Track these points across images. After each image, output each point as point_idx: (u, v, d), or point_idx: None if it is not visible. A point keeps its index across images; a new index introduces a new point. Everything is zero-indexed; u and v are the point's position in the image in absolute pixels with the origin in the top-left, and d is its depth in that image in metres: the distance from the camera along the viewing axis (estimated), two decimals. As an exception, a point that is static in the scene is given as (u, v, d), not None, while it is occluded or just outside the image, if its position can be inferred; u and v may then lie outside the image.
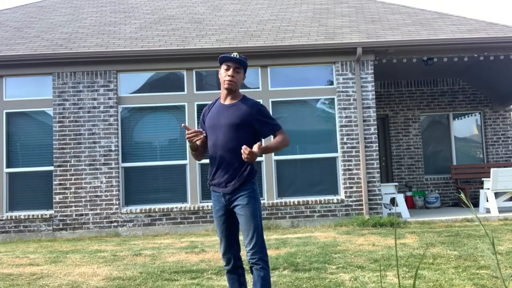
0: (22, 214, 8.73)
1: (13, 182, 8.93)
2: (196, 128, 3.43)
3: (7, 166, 8.92)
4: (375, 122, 9.03)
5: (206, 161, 6.53)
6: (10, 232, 8.67)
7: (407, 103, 11.94)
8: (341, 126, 8.99)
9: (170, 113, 9.16)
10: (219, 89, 9.68)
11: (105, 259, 5.99)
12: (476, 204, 10.87)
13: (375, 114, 9.04)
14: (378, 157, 8.94)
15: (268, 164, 8.93)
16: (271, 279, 4.58)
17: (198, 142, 3.28)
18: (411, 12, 10.65)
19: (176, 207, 8.77)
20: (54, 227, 8.69)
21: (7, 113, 9.04)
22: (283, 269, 5.01)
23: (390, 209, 9.20)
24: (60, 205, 8.73)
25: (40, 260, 6.06)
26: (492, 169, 8.94)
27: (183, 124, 3.26)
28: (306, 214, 8.80)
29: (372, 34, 9.27)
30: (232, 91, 3.27)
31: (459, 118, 12.09)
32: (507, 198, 9.31)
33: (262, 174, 8.92)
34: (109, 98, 8.97)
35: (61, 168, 8.80)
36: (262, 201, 8.76)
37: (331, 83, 9.21)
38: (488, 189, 9.21)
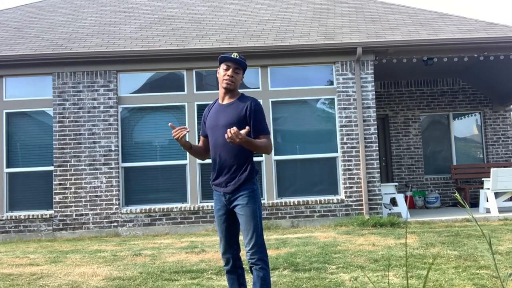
0: (22, 214, 8.73)
1: (13, 182, 8.93)
2: (188, 127, 3.41)
3: (7, 166, 8.92)
4: (375, 122, 9.04)
5: (207, 161, 6.51)
6: (10, 232, 8.67)
7: (407, 103, 11.94)
8: (341, 126, 8.99)
9: (170, 113, 9.16)
10: (218, 89, 9.66)
11: (105, 259, 5.99)
12: (476, 204, 10.87)
13: (375, 114, 9.04)
14: (378, 157, 8.94)
15: (268, 164, 8.93)
16: (271, 279, 4.58)
17: (185, 140, 3.26)
18: (411, 12, 10.65)
19: (176, 207, 8.77)
20: (54, 227, 8.69)
21: (7, 113, 9.04)
22: (283, 269, 5.01)
23: (390, 209, 9.20)
24: (60, 205, 8.73)
25: (40, 260, 6.06)
26: (492, 169, 8.94)
27: (169, 124, 3.26)
28: (306, 214, 8.80)
29: (372, 34, 9.27)
30: (230, 90, 3.29)
31: (459, 118, 12.09)
32: (507, 198, 9.31)
33: (262, 174, 8.92)
34: (109, 98, 8.97)
35: (61, 168, 8.80)
36: (262, 201, 8.76)
37: (331, 83, 9.21)
38: (488, 189, 9.21)
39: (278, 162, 9.01)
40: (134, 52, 8.82)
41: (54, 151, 8.84)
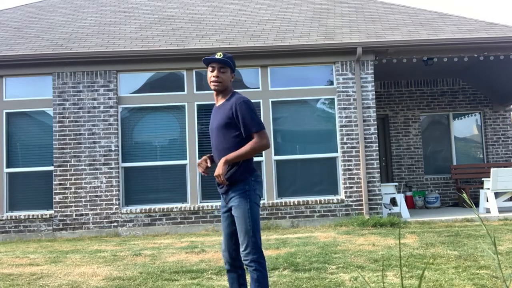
0: (22, 214, 8.73)
1: (13, 182, 8.93)
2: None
3: (7, 166, 8.92)
4: (375, 122, 9.04)
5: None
6: (10, 232, 8.67)
7: (407, 103, 11.94)
8: (341, 126, 8.99)
9: (170, 113, 9.16)
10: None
11: (105, 259, 5.99)
12: (476, 204, 10.88)
13: (375, 114, 9.04)
14: (378, 157, 8.94)
15: (268, 164, 8.93)
16: (271, 279, 4.58)
17: (206, 166, 3.29)
18: (411, 12, 10.65)
19: (176, 207, 8.77)
20: (54, 227, 8.69)
21: (7, 113, 9.04)
22: (283, 269, 5.01)
23: (390, 209, 9.20)
24: (60, 205, 8.73)
25: (40, 260, 6.06)
26: (492, 169, 8.94)
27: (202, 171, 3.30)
28: (306, 214, 8.80)
29: (372, 34, 9.27)
30: (220, 91, 3.28)
31: (459, 118, 12.09)
32: (507, 198, 9.31)
33: (262, 174, 8.92)
34: (109, 98, 8.97)
35: (61, 168, 8.80)
36: (262, 201, 8.76)
37: (331, 83, 9.21)
38: (488, 189, 9.21)
39: (278, 162, 9.01)
40: (134, 52, 8.82)
41: (54, 151, 8.84)
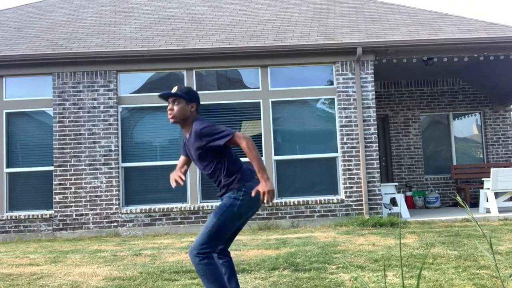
0: (22, 214, 8.73)
1: (13, 182, 8.93)
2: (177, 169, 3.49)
3: (7, 166, 8.92)
4: (375, 122, 9.04)
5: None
6: (10, 232, 8.67)
7: (407, 103, 11.95)
8: (341, 126, 8.99)
9: (170, 113, 9.14)
10: (219, 89, 9.69)
11: (105, 259, 5.99)
12: (476, 204, 10.88)
13: (375, 114, 9.04)
14: (378, 157, 8.94)
15: (268, 164, 8.93)
16: (271, 279, 4.58)
17: (181, 179, 3.40)
18: (411, 12, 10.65)
19: (176, 207, 8.77)
20: (54, 227, 8.70)
21: (7, 113, 9.05)
22: (283, 269, 5.01)
23: (390, 209, 9.20)
24: (60, 205, 8.73)
25: (40, 260, 6.06)
26: (492, 169, 8.94)
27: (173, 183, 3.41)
28: (306, 214, 8.80)
29: (372, 34, 9.27)
30: (179, 123, 3.35)
31: (459, 118, 12.10)
32: (507, 198, 9.31)
33: (262, 174, 8.91)
34: (109, 98, 8.97)
35: (61, 168, 8.80)
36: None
37: (331, 83, 9.21)
38: (488, 189, 9.22)
39: (278, 162, 9.01)
40: (134, 52, 8.82)
41: (54, 151, 8.84)
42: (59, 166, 8.81)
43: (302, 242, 6.68)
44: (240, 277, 4.73)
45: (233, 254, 5.95)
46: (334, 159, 9.05)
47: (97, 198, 8.76)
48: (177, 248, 6.72)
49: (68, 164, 8.82)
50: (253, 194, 3.15)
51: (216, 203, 8.75)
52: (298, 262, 5.29)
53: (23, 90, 9.14)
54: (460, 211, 9.72)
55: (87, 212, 8.74)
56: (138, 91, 9.17)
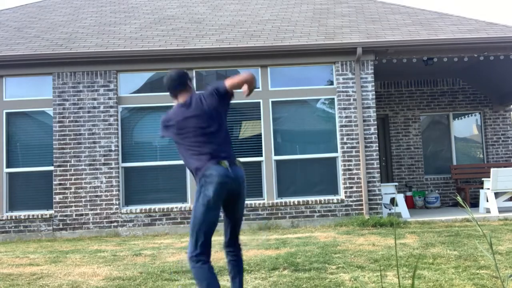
0: (22, 214, 8.72)
1: (13, 182, 8.93)
2: None
3: (7, 166, 8.92)
4: (375, 122, 9.04)
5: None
6: (10, 232, 8.67)
7: (407, 103, 11.94)
8: (341, 126, 8.99)
9: (170, 113, 9.14)
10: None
11: (105, 259, 5.99)
12: (476, 204, 10.87)
13: (375, 114, 9.04)
14: (378, 157, 8.94)
15: (268, 164, 8.93)
16: (271, 279, 4.59)
17: None
18: (411, 12, 10.65)
19: (176, 207, 8.77)
20: (54, 227, 8.69)
21: (7, 113, 9.04)
22: (283, 269, 5.01)
23: (390, 209, 9.20)
24: (60, 205, 8.73)
25: (40, 260, 6.06)
26: (492, 169, 8.94)
27: None
28: (306, 214, 8.80)
29: (372, 34, 9.27)
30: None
31: (459, 118, 12.09)
32: (507, 198, 9.31)
33: (262, 174, 8.92)
34: (109, 98, 8.97)
35: (61, 168, 8.80)
36: (262, 201, 8.78)
37: (331, 83, 9.21)
38: (488, 189, 9.21)
39: (278, 162, 9.01)
40: (134, 52, 8.82)
41: (54, 151, 8.84)
42: (59, 166, 8.81)
43: (302, 242, 6.68)
44: (240, 277, 4.72)
45: (233, 254, 5.94)
46: (334, 159, 9.04)
47: (97, 198, 8.76)
48: (177, 248, 6.72)
49: (68, 164, 8.82)
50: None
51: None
52: (298, 262, 5.29)
53: (23, 90, 9.14)
54: (460, 211, 9.72)
55: (87, 212, 8.74)
56: (138, 91, 9.17)
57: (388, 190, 9.37)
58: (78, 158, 8.84)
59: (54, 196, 8.75)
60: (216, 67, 9.10)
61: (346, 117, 9.01)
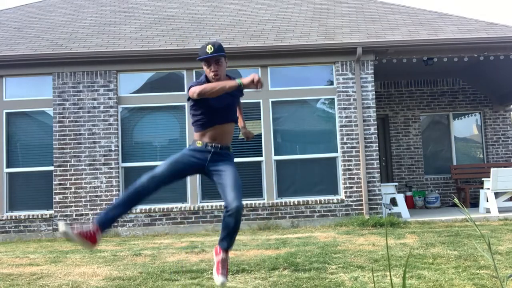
0: (22, 214, 8.73)
1: (13, 182, 8.93)
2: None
3: (7, 166, 8.92)
4: (375, 122, 9.04)
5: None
6: (10, 232, 8.68)
7: (407, 103, 11.94)
8: (341, 126, 8.99)
9: (170, 113, 9.16)
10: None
11: (105, 259, 5.99)
12: (476, 204, 10.87)
13: (375, 114, 9.04)
14: (378, 157, 8.94)
15: (268, 164, 8.93)
16: (271, 279, 4.59)
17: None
18: (411, 12, 10.65)
19: (176, 207, 8.77)
20: (54, 227, 8.69)
21: (7, 113, 9.05)
22: (283, 269, 5.01)
23: (390, 209, 9.20)
24: (60, 205, 8.73)
25: (40, 260, 6.06)
26: (492, 169, 8.94)
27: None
28: (306, 214, 8.80)
29: (372, 34, 9.27)
30: (218, 80, 3.58)
31: (459, 118, 12.10)
32: (507, 198, 9.31)
33: (262, 174, 8.92)
34: (109, 98, 8.97)
35: (61, 168, 8.80)
36: (262, 201, 8.81)
37: (331, 83, 9.21)
38: (488, 189, 9.21)
39: (278, 162, 9.01)
40: (134, 52, 8.83)
41: (54, 151, 8.84)
42: (59, 166, 8.81)
43: (302, 242, 6.68)
44: (240, 277, 4.73)
45: (233, 254, 5.95)
46: (334, 159, 9.04)
47: (97, 198, 8.76)
48: (177, 248, 6.72)
49: (68, 164, 8.82)
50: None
51: (217, 203, 8.75)
52: (298, 262, 5.29)
53: (23, 90, 9.14)
54: (460, 211, 9.72)
55: (87, 212, 8.74)
56: (138, 91, 9.17)
57: (388, 190, 9.37)
58: (78, 158, 8.84)
59: (54, 196, 8.75)
60: (216, 67, 9.08)
61: (346, 117, 9.01)
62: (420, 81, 12.01)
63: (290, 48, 8.88)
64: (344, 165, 8.90)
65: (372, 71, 9.08)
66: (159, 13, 11.00)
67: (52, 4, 12.05)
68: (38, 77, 9.13)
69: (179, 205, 8.84)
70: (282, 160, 9.03)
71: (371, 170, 8.88)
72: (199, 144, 3.74)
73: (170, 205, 8.80)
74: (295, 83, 9.19)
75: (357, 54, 8.83)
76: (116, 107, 8.99)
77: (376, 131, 9.06)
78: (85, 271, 5.27)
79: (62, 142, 8.87)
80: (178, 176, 3.86)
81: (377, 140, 9.04)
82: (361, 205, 8.80)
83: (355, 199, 8.84)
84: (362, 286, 4.19)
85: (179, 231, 8.67)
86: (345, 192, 8.86)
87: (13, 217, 8.68)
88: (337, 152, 9.02)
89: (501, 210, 9.23)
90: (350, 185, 8.87)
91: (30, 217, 8.70)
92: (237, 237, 7.44)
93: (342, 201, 8.83)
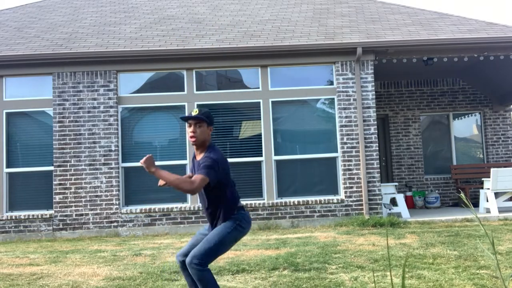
0: (22, 214, 8.73)
1: (13, 182, 8.93)
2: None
3: (7, 166, 8.92)
4: (375, 122, 9.04)
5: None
6: (10, 232, 8.67)
7: (407, 103, 11.94)
8: (341, 126, 8.99)
9: (170, 113, 9.16)
10: (219, 89, 9.68)
11: (105, 259, 5.99)
12: (476, 204, 10.87)
13: (375, 114, 9.04)
14: (378, 157, 8.94)
15: (268, 164, 8.93)
16: (271, 279, 4.59)
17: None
18: (411, 12, 10.65)
19: (176, 207, 8.77)
20: (54, 227, 8.70)
21: (7, 113, 9.05)
22: (283, 269, 5.01)
23: (390, 209, 9.20)
24: (60, 205, 8.73)
25: (40, 260, 6.06)
26: (492, 169, 8.94)
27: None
28: (306, 214, 8.80)
29: (372, 34, 9.27)
30: (198, 145, 3.47)
31: (459, 118, 12.10)
32: (507, 198, 9.31)
33: (262, 174, 8.92)
34: (109, 98, 8.97)
35: (61, 168, 8.80)
36: (262, 201, 8.79)
37: (331, 83, 9.21)
38: (488, 189, 9.21)
39: (278, 162, 9.01)
40: (134, 52, 8.82)
41: (54, 151, 8.84)
42: (59, 166, 8.81)
43: (302, 242, 6.68)
44: (240, 277, 4.73)
45: (233, 254, 5.95)
46: (334, 159, 9.04)
47: (97, 198, 8.76)
48: (177, 248, 6.72)
49: (68, 164, 8.82)
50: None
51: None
52: (298, 262, 5.29)
53: (23, 90, 9.14)
54: (460, 211, 9.72)
55: (87, 212, 8.74)
56: (138, 91, 9.17)
57: (388, 190, 9.37)
58: (78, 158, 8.84)
59: (54, 196, 8.75)
60: (216, 67, 9.10)
61: (346, 117, 9.01)
62: (420, 81, 12.01)
63: (290, 48, 8.88)
64: (344, 165, 8.90)
65: (372, 71, 9.07)
66: (159, 13, 11.00)
67: (52, 4, 12.04)
68: (38, 77, 9.13)
69: (179, 205, 8.84)
70: (282, 160, 9.03)
71: (371, 170, 8.88)
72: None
73: (170, 205, 8.80)
74: (295, 83, 9.19)
75: (357, 54, 8.83)
76: (116, 107, 8.99)
77: (376, 131, 9.06)
78: (85, 271, 5.27)
79: (62, 142, 8.87)
80: None
81: (377, 140, 9.04)
82: (361, 205, 8.80)
83: (355, 199, 8.84)
84: (362, 286, 4.19)
85: (179, 231, 8.67)
86: (345, 192, 8.86)
87: (13, 217, 8.68)
88: (337, 152, 9.02)
89: (501, 210, 9.23)
90: (350, 185, 8.87)
91: (30, 217, 8.70)
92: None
93: (342, 201, 8.83)
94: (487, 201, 9.17)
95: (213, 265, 5.32)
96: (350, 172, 8.88)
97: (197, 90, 9.12)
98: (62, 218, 8.71)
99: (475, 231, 7.07)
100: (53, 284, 4.72)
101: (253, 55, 8.94)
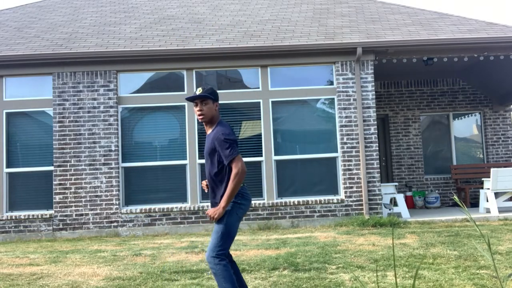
0: (22, 214, 8.73)
1: (13, 182, 8.93)
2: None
3: (7, 166, 8.92)
4: (375, 122, 9.04)
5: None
6: (10, 232, 8.67)
7: (407, 103, 11.95)
8: (341, 126, 8.99)
9: (170, 113, 9.16)
10: (219, 89, 9.67)
11: (105, 259, 5.99)
12: (476, 204, 10.87)
13: (375, 114, 9.04)
14: (378, 157, 8.94)
15: (268, 164, 8.93)
16: (271, 279, 4.59)
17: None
18: (411, 12, 10.65)
19: (176, 207, 8.77)
20: (54, 227, 8.70)
21: (7, 113, 9.05)
22: (283, 269, 5.01)
23: (390, 209, 9.20)
24: (60, 205, 8.73)
25: (40, 260, 6.06)
26: (492, 169, 8.94)
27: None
28: (306, 214, 8.80)
29: (372, 34, 9.27)
30: (206, 122, 3.58)
31: (459, 118, 12.10)
32: (507, 198, 9.31)
33: (262, 174, 8.92)
34: (109, 98, 8.97)
35: (61, 168, 8.80)
36: (262, 201, 8.79)
37: (331, 83, 9.21)
38: (488, 189, 9.21)
39: (278, 162, 9.01)
40: (134, 52, 8.82)
41: (54, 151, 8.84)
42: (59, 166, 8.81)
43: (302, 242, 6.68)
44: (240, 277, 4.72)
45: (233, 254, 5.95)
46: (334, 159, 9.04)
47: (97, 198, 8.76)
48: (177, 248, 6.72)
49: (68, 164, 8.82)
50: (207, 213, 3.43)
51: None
52: (298, 262, 5.29)
53: (23, 90, 9.14)
54: (460, 211, 9.72)
55: (87, 212, 8.74)
56: (138, 91, 9.17)
57: (388, 190, 9.37)
58: (78, 158, 8.84)
59: (54, 196, 8.75)
60: (216, 67, 9.10)
61: (346, 117, 9.01)
62: (420, 81, 12.01)
63: (290, 48, 8.88)
64: (344, 165, 8.90)
65: (372, 71, 9.08)
66: (159, 13, 11.00)
67: (52, 4, 12.05)
68: (38, 77, 9.13)
69: (179, 205, 8.84)
70: (282, 160, 9.03)
71: (371, 170, 8.88)
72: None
73: (170, 205, 8.80)
74: (295, 83, 9.19)
75: (357, 54, 8.83)
76: (116, 107, 9.00)
77: (376, 131, 9.06)
78: (85, 271, 5.27)
79: (62, 142, 8.87)
80: None
81: (377, 140, 9.04)
82: (361, 205, 8.80)
83: (355, 199, 8.84)
84: (362, 286, 4.19)
85: (179, 231, 8.67)
86: (345, 192, 8.86)
87: (13, 217, 8.68)
88: (337, 152, 9.02)
89: (501, 210, 9.23)
90: (350, 185, 8.87)
91: (30, 217, 8.70)
92: (237, 237, 7.45)
93: (342, 201, 8.83)
94: (487, 201, 9.17)
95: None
96: (350, 172, 8.88)
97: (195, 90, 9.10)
98: (62, 218, 8.71)
99: (475, 231, 7.07)
100: (53, 284, 4.72)
101: (253, 55, 8.94)
